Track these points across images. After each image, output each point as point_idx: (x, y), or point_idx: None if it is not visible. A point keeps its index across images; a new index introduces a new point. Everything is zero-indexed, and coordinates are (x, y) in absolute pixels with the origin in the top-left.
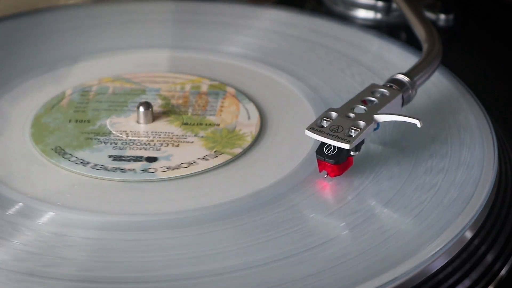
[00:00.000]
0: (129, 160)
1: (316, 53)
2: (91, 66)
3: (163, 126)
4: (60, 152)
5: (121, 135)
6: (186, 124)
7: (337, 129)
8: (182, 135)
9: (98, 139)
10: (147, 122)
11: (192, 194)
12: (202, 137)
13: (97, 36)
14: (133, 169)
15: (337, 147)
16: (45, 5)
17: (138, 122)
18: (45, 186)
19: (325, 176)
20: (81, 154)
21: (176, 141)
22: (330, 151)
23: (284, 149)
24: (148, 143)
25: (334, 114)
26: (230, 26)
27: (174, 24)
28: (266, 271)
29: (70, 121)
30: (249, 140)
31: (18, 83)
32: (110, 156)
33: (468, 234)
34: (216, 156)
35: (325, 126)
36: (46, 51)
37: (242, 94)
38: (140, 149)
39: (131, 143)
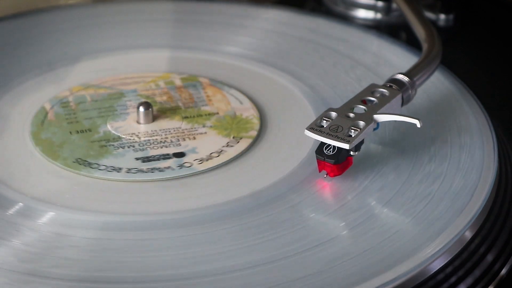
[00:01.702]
0: (158, 159)
1: (316, 53)
2: (91, 66)
3: (166, 123)
4: (84, 163)
5: (132, 138)
6: (187, 117)
7: (337, 129)
8: (192, 128)
9: (113, 145)
10: (147, 122)
11: (192, 195)
12: (211, 126)
13: (97, 36)
14: (169, 167)
15: (337, 147)
16: (45, 5)
17: (138, 122)
18: (45, 186)
19: (325, 176)
20: (107, 161)
21: (190, 135)
22: (330, 151)
23: (284, 149)
24: (165, 141)
25: (333, 114)
26: (230, 26)
27: (174, 24)
28: (266, 271)
29: (71, 133)
30: (256, 122)
31: (18, 83)
32: (137, 159)
33: (468, 234)
34: (238, 142)
35: (324, 126)
36: (46, 51)
37: (218, 82)
38: (162, 147)
39: (149, 143)
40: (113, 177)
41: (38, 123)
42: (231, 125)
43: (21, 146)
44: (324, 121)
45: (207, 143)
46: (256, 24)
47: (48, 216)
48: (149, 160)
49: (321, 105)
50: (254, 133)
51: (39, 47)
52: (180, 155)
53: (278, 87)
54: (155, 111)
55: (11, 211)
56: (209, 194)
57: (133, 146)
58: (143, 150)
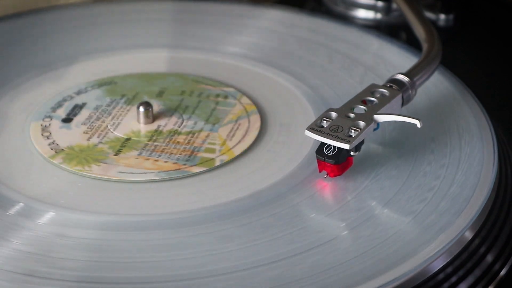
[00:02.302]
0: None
1: (316, 53)
2: (91, 66)
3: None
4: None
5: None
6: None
7: (337, 129)
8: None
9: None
10: (147, 122)
11: (192, 195)
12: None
13: (97, 36)
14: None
15: (337, 147)
16: (45, 5)
17: (138, 122)
18: (45, 186)
19: (325, 176)
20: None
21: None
22: (330, 151)
23: (284, 149)
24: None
25: (334, 114)
26: (230, 26)
27: (174, 24)
28: (266, 271)
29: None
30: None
31: (18, 83)
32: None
33: (468, 234)
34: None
35: (325, 126)
36: (46, 51)
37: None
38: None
39: (177, 143)
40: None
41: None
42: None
43: (21, 146)
44: (324, 121)
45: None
46: (256, 24)
47: (48, 216)
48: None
49: (321, 105)
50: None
51: (39, 47)
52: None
53: (278, 87)
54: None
55: (11, 211)
56: (209, 194)
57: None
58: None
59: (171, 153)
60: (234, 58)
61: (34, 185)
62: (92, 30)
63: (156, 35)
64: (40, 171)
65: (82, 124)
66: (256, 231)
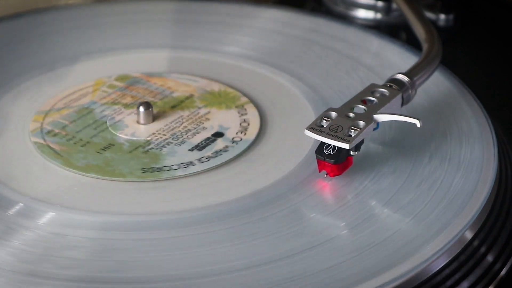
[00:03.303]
0: (206, 145)
1: (316, 53)
2: (91, 66)
3: (165, 119)
4: (152, 170)
5: (160, 136)
6: (174, 106)
7: (337, 129)
8: (192, 113)
9: (153, 148)
10: (147, 122)
11: (192, 195)
12: (205, 106)
13: (97, 36)
14: (226, 146)
15: (337, 146)
16: (45, 5)
17: (138, 122)
18: (46, 186)
19: (325, 176)
20: (169, 161)
21: (200, 118)
22: (330, 151)
23: (284, 149)
24: (189, 130)
25: (333, 114)
26: (230, 26)
27: (174, 24)
28: (266, 271)
29: (99, 152)
30: (238, 94)
31: (18, 83)
32: (191, 150)
33: (468, 234)
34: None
35: (324, 126)
36: (46, 51)
37: (155, 73)
38: (195, 135)
39: (180, 136)
40: (191, 171)
41: (59, 159)
42: (220, 99)
43: (21, 146)
44: (324, 121)
45: (223, 119)
46: (256, 24)
47: (48, 216)
48: (205, 147)
49: (321, 105)
50: (245, 99)
51: (39, 47)
52: (219, 134)
53: (278, 87)
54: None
55: (11, 211)
56: (209, 194)
57: (172, 142)
58: (183, 142)
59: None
60: (234, 58)
61: (34, 185)
62: (92, 30)
63: (156, 35)
64: (40, 171)
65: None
66: (256, 231)
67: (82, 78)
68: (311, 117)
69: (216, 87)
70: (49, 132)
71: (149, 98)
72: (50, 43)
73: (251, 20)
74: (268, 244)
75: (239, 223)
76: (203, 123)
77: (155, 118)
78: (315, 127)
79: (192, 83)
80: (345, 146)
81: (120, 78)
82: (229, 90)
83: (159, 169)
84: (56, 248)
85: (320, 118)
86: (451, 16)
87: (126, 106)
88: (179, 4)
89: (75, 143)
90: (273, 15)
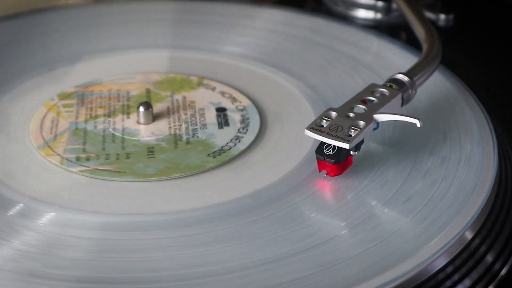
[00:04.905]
0: (225, 118)
1: (316, 53)
2: (91, 66)
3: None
4: (216, 153)
5: (179, 127)
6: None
7: (337, 129)
8: (174, 100)
9: (189, 137)
10: (147, 122)
11: (192, 195)
12: (175, 92)
13: (97, 36)
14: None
15: (337, 146)
16: (45, 5)
17: (138, 122)
18: (45, 186)
19: (325, 175)
20: (220, 142)
21: (188, 102)
22: (330, 151)
23: (284, 149)
24: (194, 113)
25: (333, 114)
26: (230, 26)
27: (174, 24)
28: (266, 271)
29: (151, 157)
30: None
31: (18, 83)
32: (220, 128)
33: (468, 234)
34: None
35: (324, 126)
36: (46, 51)
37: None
38: (205, 114)
39: (195, 121)
40: (245, 144)
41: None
42: (176, 84)
43: (21, 146)
44: (324, 121)
45: (203, 97)
46: (256, 24)
47: (48, 216)
48: (226, 123)
49: (321, 105)
50: (195, 79)
51: (39, 47)
52: (222, 109)
53: (278, 87)
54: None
55: (11, 211)
56: (209, 194)
57: (196, 129)
58: (204, 126)
59: None
60: (234, 58)
61: (34, 185)
62: (92, 30)
63: (156, 35)
64: (40, 171)
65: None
66: (256, 231)
67: (82, 78)
68: (311, 117)
69: (157, 77)
70: (78, 158)
71: (116, 103)
72: (50, 43)
73: (251, 20)
74: (268, 244)
75: (239, 223)
76: (194, 106)
77: (155, 119)
78: (315, 127)
79: (132, 80)
80: (345, 146)
81: (64, 96)
82: (171, 75)
83: (221, 150)
84: (56, 248)
85: (320, 118)
86: (451, 16)
87: (111, 115)
88: (179, 4)
89: (118, 159)
90: (273, 15)
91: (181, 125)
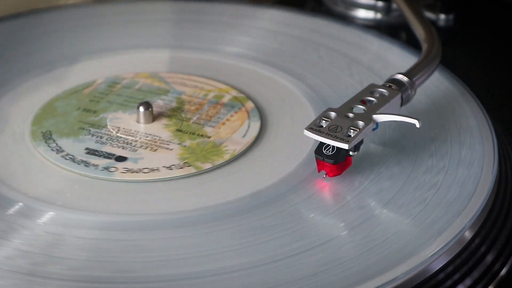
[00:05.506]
0: (100, 156)
1: (316, 53)
2: (92, 66)
3: (157, 128)
4: (47, 136)
5: (112, 131)
6: (180, 131)
7: (336, 129)
8: (167, 141)
9: (89, 130)
10: (146, 122)
11: (192, 195)
12: (184, 146)
13: (97, 36)
14: (97, 165)
15: (336, 147)
16: (45, 5)
17: (137, 121)
18: (45, 186)
19: (324, 176)
20: (63, 142)
21: (156, 146)
22: (329, 151)
23: (283, 149)
24: (130, 143)
25: (333, 114)
26: (230, 26)
27: (174, 24)
28: (266, 271)
29: (78, 108)
30: (226, 158)
31: (18, 83)
32: (86, 149)
33: (468, 234)
34: (182, 168)
35: (324, 126)
36: (46, 51)
37: (257, 110)
38: (119, 147)
39: (115, 140)
40: (47, 157)
41: (71, 92)
42: (201, 152)
43: (21, 146)
44: (323, 121)
45: (157, 158)
46: (256, 24)
47: (48, 216)
48: (93, 154)
49: (321, 105)
50: (208, 165)
51: (39, 47)
52: (122, 159)
53: (278, 87)
54: (164, 115)
55: (11, 211)
56: (209, 194)
57: (101, 137)
58: (103, 143)
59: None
60: (234, 58)
61: (34, 185)
62: (92, 30)
63: (156, 35)
64: (40, 171)
65: None
66: (255, 231)
67: (82, 78)
68: (311, 117)
69: (229, 146)
70: (112, 84)
71: (196, 117)
72: (50, 43)
73: (251, 20)
74: (268, 244)
75: (239, 223)
76: (144, 149)
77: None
78: (314, 127)
79: (235, 134)
80: (344, 146)
81: (236, 98)
82: (224, 150)
83: (48, 139)
84: (56, 248)
85: (320, 118)
86: (451, 16)
87: (172, 108)
88: (179, 4)
89: (95, 97)
90: (273, 15)
91: (116, 132)
